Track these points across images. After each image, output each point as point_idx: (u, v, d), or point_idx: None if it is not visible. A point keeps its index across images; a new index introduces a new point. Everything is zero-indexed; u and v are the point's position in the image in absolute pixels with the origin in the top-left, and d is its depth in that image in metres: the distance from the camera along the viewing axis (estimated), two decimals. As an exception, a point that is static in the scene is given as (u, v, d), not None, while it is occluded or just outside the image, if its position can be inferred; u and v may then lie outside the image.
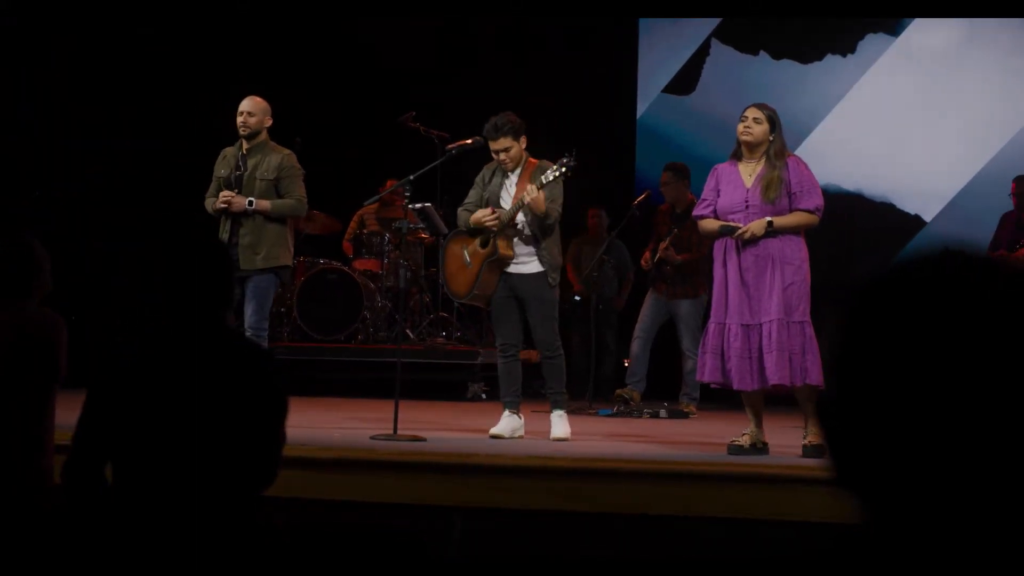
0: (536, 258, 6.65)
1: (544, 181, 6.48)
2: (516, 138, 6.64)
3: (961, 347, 1.04)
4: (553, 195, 6.55)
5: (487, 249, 6.69)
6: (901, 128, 10.47)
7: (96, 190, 10.38)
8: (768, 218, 5.90)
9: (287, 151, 6.98)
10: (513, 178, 6.70)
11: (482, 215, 6.65)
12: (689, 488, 5.38)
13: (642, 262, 8.99)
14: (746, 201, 5.96)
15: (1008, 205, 8.98)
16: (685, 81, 10.98)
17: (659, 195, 9.11)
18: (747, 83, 10.77)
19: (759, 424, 6.03)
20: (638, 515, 5.29)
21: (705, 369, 6.02)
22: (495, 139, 6.62)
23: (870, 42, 10.68)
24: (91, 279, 9.68)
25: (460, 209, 6.87)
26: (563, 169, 6.51)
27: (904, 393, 1.05)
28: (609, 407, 8.57)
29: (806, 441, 5.88)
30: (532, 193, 6.44)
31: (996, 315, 1.05)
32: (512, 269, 6.68)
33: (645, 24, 11.08)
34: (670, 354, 8.99)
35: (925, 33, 10.61)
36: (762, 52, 10.87)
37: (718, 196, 6.06)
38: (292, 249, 7.06)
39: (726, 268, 5.99)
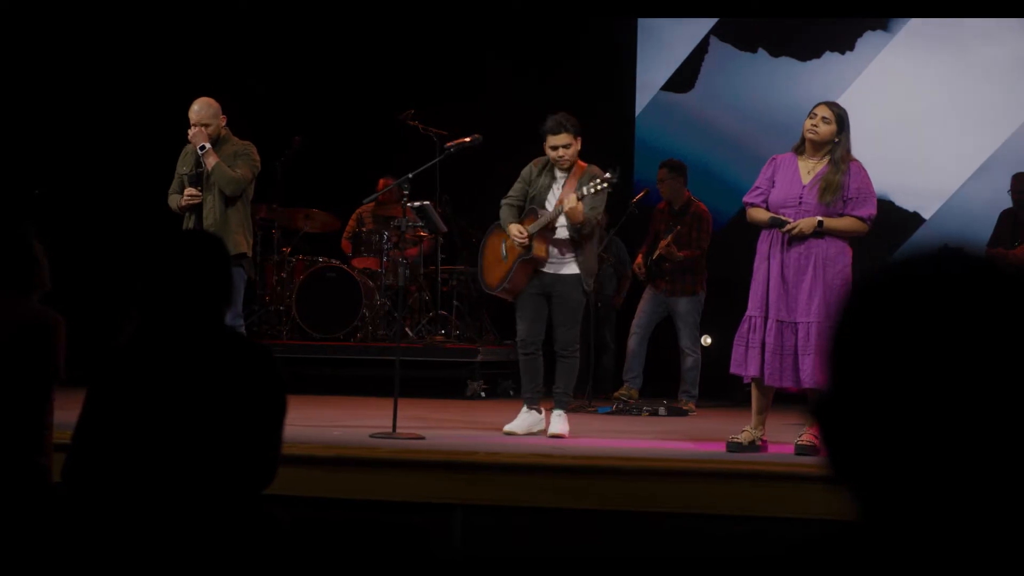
0: (574, 261, 6.67)
1: (584, 193, 6.51)
2: (575, 137, 6.65)
3: (958, 345, 1.04)
4: (594, 203, 6.58)
5: (523, 247, 6.70)
6: (899, 125, 10.47)
7: (95, 188, 10.38)
8: (819, 217, 5.85)
9: (246, 142, 6.98)
10: (561, 180, 6.71)
11: (515, 235, 6.64)
12: (688, 485, 5.39)
13: (635, 267, 8.98)
14: (800, 198, 5.89)
15: (1007, 202, 8.97)
16: (683, 79, 10.98)
17: (657, 193, 9.11)
18: (746, 81, 10.78)
19: (762, 421, 6.01)
20: (637, 512, 5.29)
21: (749, 363, 5.90)
22: (557, 134, 6.62)
23: (868, 40, 10.68)
24: (89, 277, 9.67)
25: (504, 202, 6.83)
26: (604, 184, 6.53)
27: (900, 390, 1.05)
28: (608, 404, 8.58)
29: (799, 440, 5.88)
30: (571, 202, 6.46)
31: (993, 313, 1.05)
32: (548, 269, 6.70)
33: (644, 22, 11.08)
34: (669, 352, 9.00)
35: (923, 31, 10.61)
36: (760, 50, 10.87)
37: (772, 187, 6.00)
38: (251, 240, 7.05)
39: (769, 262, 5.92)
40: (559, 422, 6.66)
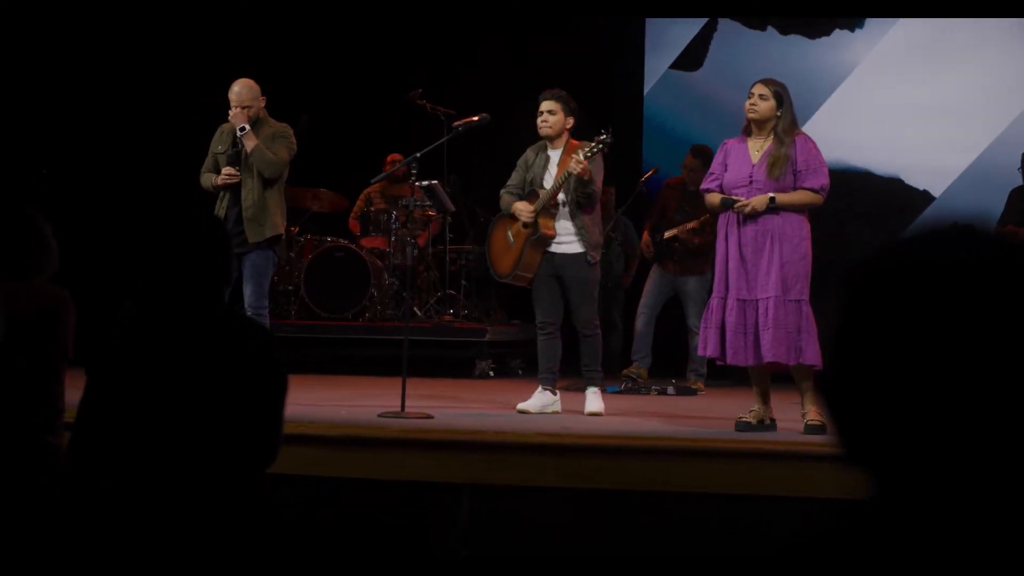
0: (577, 238, 6.69)
1: (588, 154, 6.56)
2: (564, 110, 6.77)
3: (966, 322, 1.03)
4: (592, 171, 6.62)
5: (529, 229, 6.75)
6: (909, 103, 10.43)
7: (102, 168, 10.38)
8: (770, 194, 5.89)
9: (284, 124, 6.97)
10: (555, 159, 6.78)
11: (521, 210, 6.74)
12: (696, 465, 5.39)
13: (642, 246, 8.98)
14: (751, 177, 5.95)
15: (1018, 180, 8.94)
16: (692, 58, 10.94)
17: (666, 173, 9.09)
18: (754, 59, 10.72)
19: (766, 401, 6.03)
20: (644, 492, 5.29)
21: (707, 344, 6.04)
22: (543, 100, 6.78)
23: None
24: (97, 257, 9.68)
25: (503, 191, 6.95)
26: (601, 145, 6.60)
27: (908, 369, 1.04)
28: (617, 384, 8.57)
29: (806, 419, 5.88)
30: (579, 159, 6.50)
31: (1002, 290, 1.04)
32: (554, 249, 6.77)
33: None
34: (677, 331, 8.99)
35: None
36: (769, 27, 10.82)
37: (725, 171, 6.06)
38: (285, 222, 7.06)
39: (727, 243, 6.00)
40: (594, 400, 6.74)
